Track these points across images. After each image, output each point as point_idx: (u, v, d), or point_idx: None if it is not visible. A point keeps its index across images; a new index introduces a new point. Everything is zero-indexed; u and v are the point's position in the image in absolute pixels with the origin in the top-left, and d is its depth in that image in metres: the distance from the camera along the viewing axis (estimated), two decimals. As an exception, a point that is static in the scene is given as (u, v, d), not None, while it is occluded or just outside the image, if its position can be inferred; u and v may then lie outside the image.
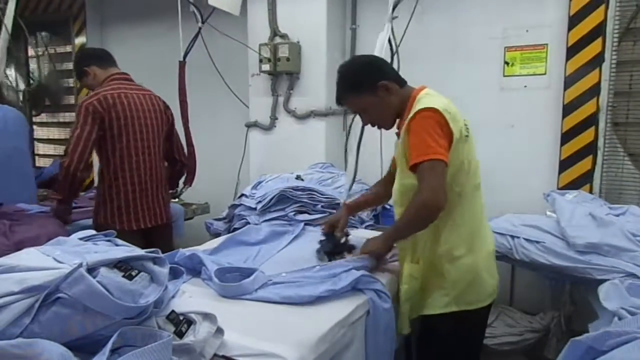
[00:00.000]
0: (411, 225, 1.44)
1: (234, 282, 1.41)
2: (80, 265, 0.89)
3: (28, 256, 0.99)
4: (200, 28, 2.81)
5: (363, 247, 1.64)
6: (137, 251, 1.03)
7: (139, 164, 2.25)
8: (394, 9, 2.32)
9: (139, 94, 2.30)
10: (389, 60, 2.20)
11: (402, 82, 1.54)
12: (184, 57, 2.84)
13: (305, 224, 2.26)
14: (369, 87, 1.50)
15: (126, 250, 1.05)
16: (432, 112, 1.35)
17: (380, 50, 2.24)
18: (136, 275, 0.93)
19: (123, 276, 0.91)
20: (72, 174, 2.10)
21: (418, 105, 1.40)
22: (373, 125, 1.61)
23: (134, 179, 2.23)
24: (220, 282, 1.40)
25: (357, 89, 1.52)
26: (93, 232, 1.25)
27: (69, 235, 1.90)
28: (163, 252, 2.38)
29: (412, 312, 1.55)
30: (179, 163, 2.58)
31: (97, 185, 2.29)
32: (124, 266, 0.94)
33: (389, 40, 2.28)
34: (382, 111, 1.53)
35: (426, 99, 1.43)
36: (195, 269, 1.57)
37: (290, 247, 1.96)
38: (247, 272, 1.47)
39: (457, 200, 1.45)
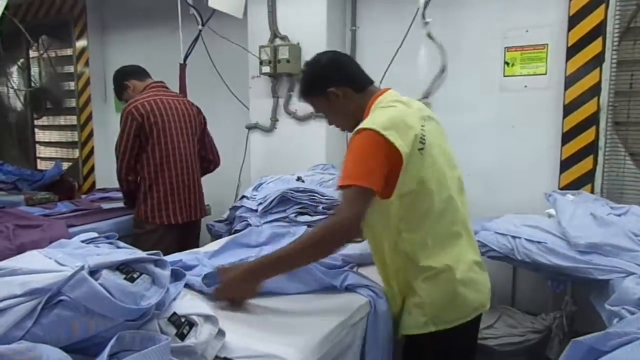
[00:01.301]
0: (309, 253, 1.29)
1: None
2: (82, 267, 0.89)
3: (30, 259, 1.00)
4: (200, 31, 2.82)
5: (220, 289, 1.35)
6: (139, 253, 1.04)
7: (177, 163, 2.43)
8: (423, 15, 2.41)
9: (174, 100, 2.49)
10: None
11: (360, 86, 1.45)
12: (185, 59, 2.85)
13: (308, 226, 2.26)
14: (319, 92, 1.45)
15: (128, 252, 1.06)
16: (371, 133, 1.25)
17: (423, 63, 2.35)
18: (138, 277, 0.94)
19: (125, 278, 0.92)
20: (121, 179, 2.40)
21: (365, 120, 1.33)
22: (338, 127, 1.56)
23: (172, 177, 2.42)
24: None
25: (311, 91, 1.49)
26: (95, 234, 1.25)
27: (71, 238, 1.91)
28: (195, 246, 2.45)
29: (395, 330, 1.49)
30: (213, 163, 2.78)
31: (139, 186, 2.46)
32: (126, 268, 0.94)
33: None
34: (336, 116, 1.50)
35: (375, 113, 1.35)
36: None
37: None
38: None
39: (425, 218, 1.35)
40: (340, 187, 1.27)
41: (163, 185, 2.40)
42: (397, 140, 1.25)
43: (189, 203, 2.52)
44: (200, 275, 1.45)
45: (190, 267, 1.56)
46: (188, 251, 1.95)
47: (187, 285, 1.37)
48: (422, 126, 1.35)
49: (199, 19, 2.86)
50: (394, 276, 1.44)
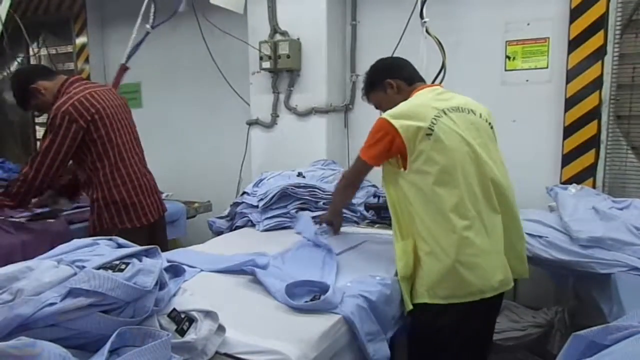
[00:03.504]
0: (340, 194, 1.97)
1: (301, 295, 1.40)
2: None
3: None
4: (147, 33, 2.61)
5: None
6: (124, 251, 1.04)
7: (131, 159, 2.19)
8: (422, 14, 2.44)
9: (103, 91, 2.18)
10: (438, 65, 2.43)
11: (412, 81, 1.73)
12: (127, 60, 2.58)
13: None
14: (378, 84, 1.76)
15: (112, 252, 1.06)
16: (383, 121, 1.55)
17: (422, 58, 2.46)
18: (125, 267, 0.94)
19: (113, 272, 0.92)
20: (36, 187, 2.00)
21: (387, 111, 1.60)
22: None
23: (131, 175, 2.17)
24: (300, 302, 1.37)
25: (371, 86, 1.80)
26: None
27: (72, 235, 1.91)
28: (163, 243, 2.31)
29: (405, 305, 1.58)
30: None
31: (90, 193, 2.16)
32: (110, 265, 0.95)
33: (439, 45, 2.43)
34: (388, 106, 1.67)
35: (402, 103, 1.62)
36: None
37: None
38: (319, 286, 1.44)
39: (419, 195, 1.53)
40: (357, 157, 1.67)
41: (124, 185, 2.14)
42: (401, 125, 1.51)
43: (152, 198, 2.29)
44: (273, 273, 1.54)
45: (262, 267, 1.57)
46: (189, 247, 1.96)
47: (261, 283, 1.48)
48: (436, 116, 1.53)
49: (151, 18, 2.56)
50: (407, 230, 1.60)
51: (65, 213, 2.49)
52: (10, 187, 2.07)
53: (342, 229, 2.15)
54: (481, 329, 1.66)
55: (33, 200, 2.31)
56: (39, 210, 2.43)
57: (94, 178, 2.12)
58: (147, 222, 2.22)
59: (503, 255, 1.59)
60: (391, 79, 1.73)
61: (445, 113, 1.55)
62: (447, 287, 1.50)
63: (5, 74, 4.87)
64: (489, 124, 1.69)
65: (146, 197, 2.23)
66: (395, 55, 2.76)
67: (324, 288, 1.40)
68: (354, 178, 1.83)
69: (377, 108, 1.84)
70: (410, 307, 1.56)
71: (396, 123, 1.51)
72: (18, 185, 2.02)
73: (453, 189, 1.50)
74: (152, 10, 2.52)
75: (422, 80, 1.77)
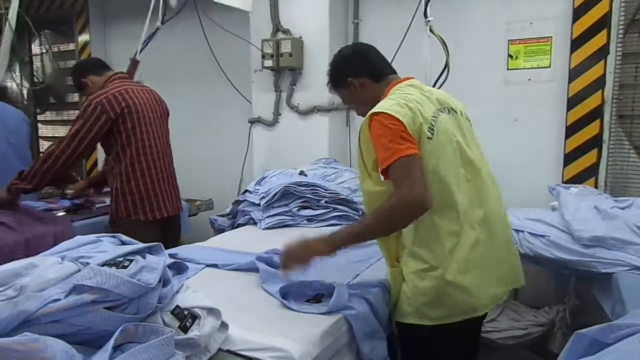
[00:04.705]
0: (381, 227, 1.33)
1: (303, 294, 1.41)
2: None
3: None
4: (157, 28, 2.72)
5: (291, 252, 1.40)
6: (127, 247, 1.05)
7: (153, 155, 2.31)
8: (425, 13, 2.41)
9: (139, 89, 2.36)
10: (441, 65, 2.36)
11: (378, 76, 1.52)
12: (136, 54, 2.70)
13: (308, 220, 2.27)
14: (341, 82, 1.56)
15: (116, 249, 1.06)
16: (384, 115, 1.31)
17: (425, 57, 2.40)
18: (129, 264, 0.95)
19: (117, 269, 0.93)
20: (57, 167, 2.13)
21: (377, 105, 1.37)
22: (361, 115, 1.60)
23: (151, 170, 2.29)
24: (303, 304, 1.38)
25: (334, 83, 1.61)
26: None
27: (75, 232, 1.92)
28: (176, 242, 2.37)
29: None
30: None
31: (110, 181, 2.30)
32: (114, 262, 0.95)
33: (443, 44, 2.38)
34: (357, 105, 1.59)
35: (386, 100, 1.40)
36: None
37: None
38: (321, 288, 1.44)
39: None
40: (386, 170, 1.29)
41: (142, 178, 2.25)
42: (408, 122, 1.30)
43: (170, 195, 2.39)
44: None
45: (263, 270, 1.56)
46: (192, 245, 1.96)
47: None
48: (434, 116, 1.38)
49: (160, 16, 2.70)
50: (393, 258, 1.46)
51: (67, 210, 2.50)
52: (27, 170, 2.17)
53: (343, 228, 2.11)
54: (471, 338, 1.58)
55: (69, 191, 2.54)
56: (77, 201, 2.63)
57: (116, 168, 2.25)
58: (161, 216, 2.31)
59: (500, 264, 1.49)
60: (353, 77, 1.52)
61: (440, 112, 1.41)
62: (437, 308, 1.37)
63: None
64: (467, 119, 1.55)
65: (164, 192, 2.34)
66: (398, 54, 2.76)
67: (327, 288, 1.40)
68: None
69: (345, 103, 1.69)
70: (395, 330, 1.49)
71: (398, 115, 1.29)
72: (40, 163, 2.14)
73: (444, 198, 1.35)
74: (161, 6, 2.64)
75: (392, 71, 1.56)
